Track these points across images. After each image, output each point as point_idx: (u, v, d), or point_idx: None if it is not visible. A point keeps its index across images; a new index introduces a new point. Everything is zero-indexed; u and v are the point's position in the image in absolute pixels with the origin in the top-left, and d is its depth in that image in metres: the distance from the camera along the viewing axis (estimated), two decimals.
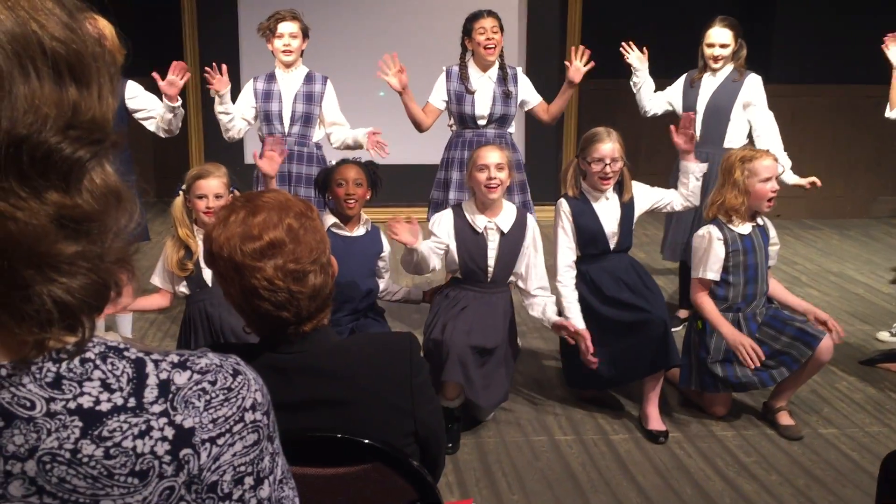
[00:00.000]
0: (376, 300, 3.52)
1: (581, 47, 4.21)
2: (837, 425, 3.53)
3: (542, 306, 3.42)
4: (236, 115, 4.12)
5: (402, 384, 1.59)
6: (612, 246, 3.55)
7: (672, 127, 3.66)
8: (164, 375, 0.75)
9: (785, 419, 3.46)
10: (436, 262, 3.34)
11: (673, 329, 4.47)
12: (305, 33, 4.16)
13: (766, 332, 3.43)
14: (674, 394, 3.77)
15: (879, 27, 5.24)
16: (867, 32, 6.91)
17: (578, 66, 4.17)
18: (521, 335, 4.24)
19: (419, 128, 4.28)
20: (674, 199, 3.66)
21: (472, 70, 4.22)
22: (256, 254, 1.49)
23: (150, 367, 0.75)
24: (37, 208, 0.65)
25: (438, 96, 4.26)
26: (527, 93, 4.30)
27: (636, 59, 4.58)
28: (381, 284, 3.56)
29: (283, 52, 4.10)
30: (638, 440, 3.38)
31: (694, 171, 3.62)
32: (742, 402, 3.68)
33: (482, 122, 4.20)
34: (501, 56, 4.23)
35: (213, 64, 4.00)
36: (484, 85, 4.20)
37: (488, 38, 4.12)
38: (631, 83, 4.66)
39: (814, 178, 4.28)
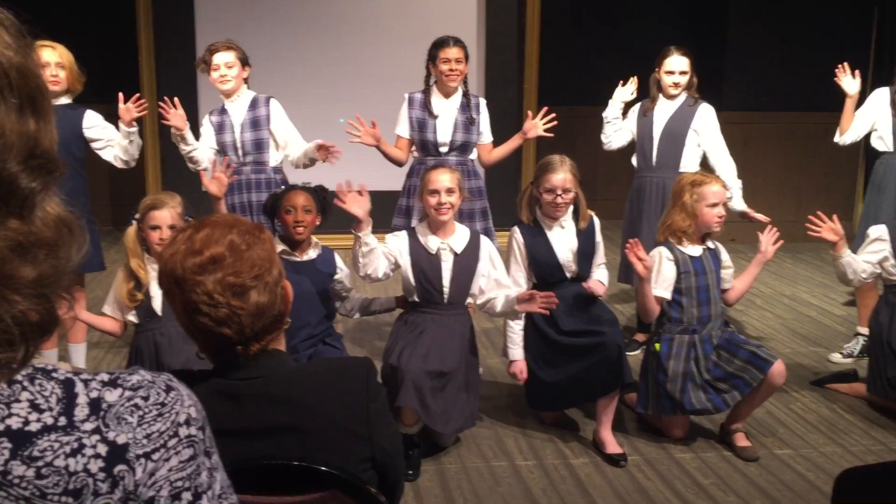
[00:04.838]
0: (333, 325, 3.50)
1: (546, 108, 4.18)
2: (792, 446, 3.58)
3: (502, 298, 3.39)
4: (202, 146, 4.09)
5: (359, 409, 1.58)
6: (568, 275, 3.57)
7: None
8: (94, 394, 0.75)
9: (741, 441, 3.50)
10: (384, 268, 3.33)
11: (631, 353, 4.55)
12: (244, 62, 4.09)
13: (721, 355, 3.48)
14: (632, 417, 3.79)
15: (827, 57, 5.40)
16: (815, 62, 7.13)
17: (537, 122, 4.14)
18: (480, 360, 4.25)
19: (398, 164, 4.28)
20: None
21: (435, 96, 4.20)
22: (197, 268, 1.48)
23: (79, 387, 0.75)
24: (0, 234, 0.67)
25: (405, 127, 4.22)
26: (482, 126, 4.25)
27: (626, 93, 4.59)
28: (348, 304, 3.55)
29: (219, 81, 4.05)
30: (598, 464, 3.39)
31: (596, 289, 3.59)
32: (699, 424, 3.72)
33: (444, 150, 4.17)
34: (465, 84, 4.22)
35: (174, 99, 3.96)
36: (446, 111, 4.17)
37: (451, 69, 4.10)
38: (603, 114, 4.64)
39: (762, 217, 4.22)
